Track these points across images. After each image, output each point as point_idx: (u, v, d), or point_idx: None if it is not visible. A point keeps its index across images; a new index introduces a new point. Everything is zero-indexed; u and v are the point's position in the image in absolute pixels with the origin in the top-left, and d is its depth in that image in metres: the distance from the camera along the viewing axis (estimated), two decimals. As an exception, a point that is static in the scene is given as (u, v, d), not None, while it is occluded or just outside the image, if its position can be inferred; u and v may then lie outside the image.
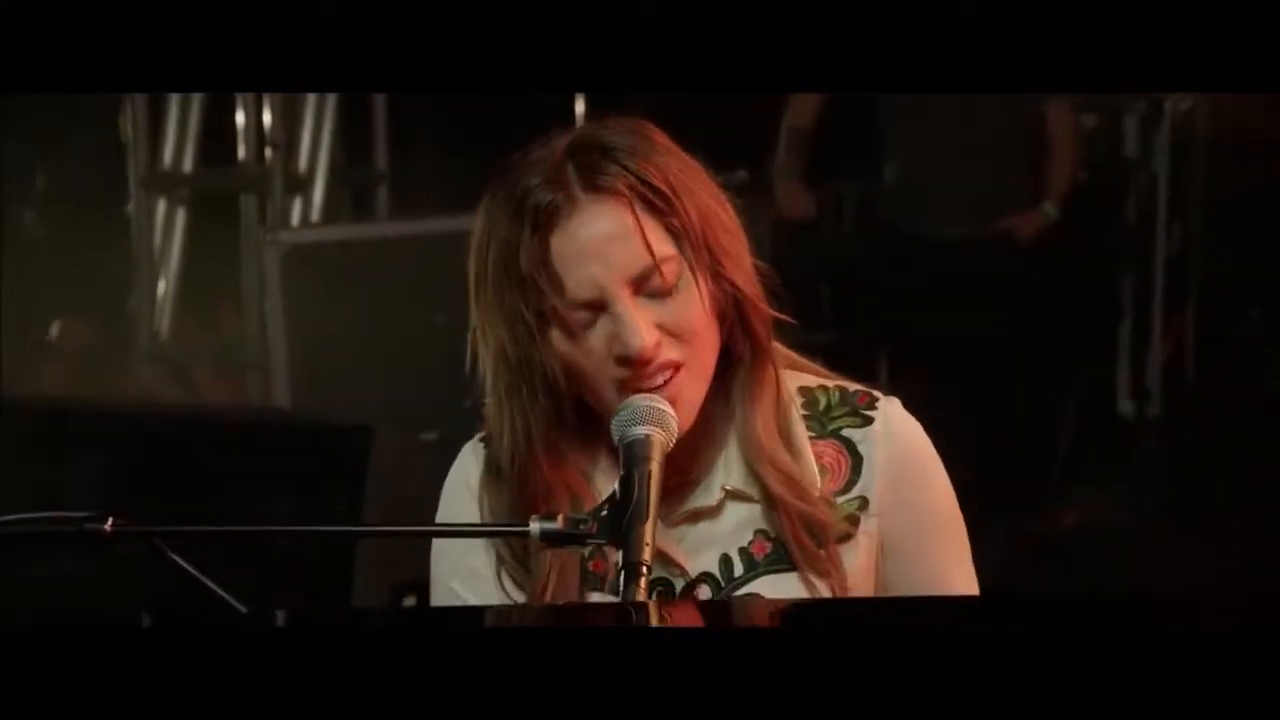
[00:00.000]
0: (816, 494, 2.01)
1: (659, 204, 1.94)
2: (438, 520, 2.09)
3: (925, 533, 2.05)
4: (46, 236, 5.63)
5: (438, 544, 2.08)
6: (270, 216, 5.60)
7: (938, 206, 5.26)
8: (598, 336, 1.95)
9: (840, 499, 2.02)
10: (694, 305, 1.94)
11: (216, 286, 5.78)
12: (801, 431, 2.04)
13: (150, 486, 3.97)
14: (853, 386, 2.08)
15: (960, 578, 2.07)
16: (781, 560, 2.00)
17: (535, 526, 1.80)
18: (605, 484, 1.98)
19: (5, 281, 5.22)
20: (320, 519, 3.62)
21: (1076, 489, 5.55)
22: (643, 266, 1.93)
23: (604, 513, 1.80)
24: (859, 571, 2.01)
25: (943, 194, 5.24)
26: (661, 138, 2.00)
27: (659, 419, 1.88)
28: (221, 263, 5.72)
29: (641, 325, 1.92)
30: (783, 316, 2.02)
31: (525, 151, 1.99)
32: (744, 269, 1.99)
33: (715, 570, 2.00)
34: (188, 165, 5.76)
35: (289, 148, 5.62)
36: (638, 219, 1.93)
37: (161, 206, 5.74)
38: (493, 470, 2.02)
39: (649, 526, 1.78)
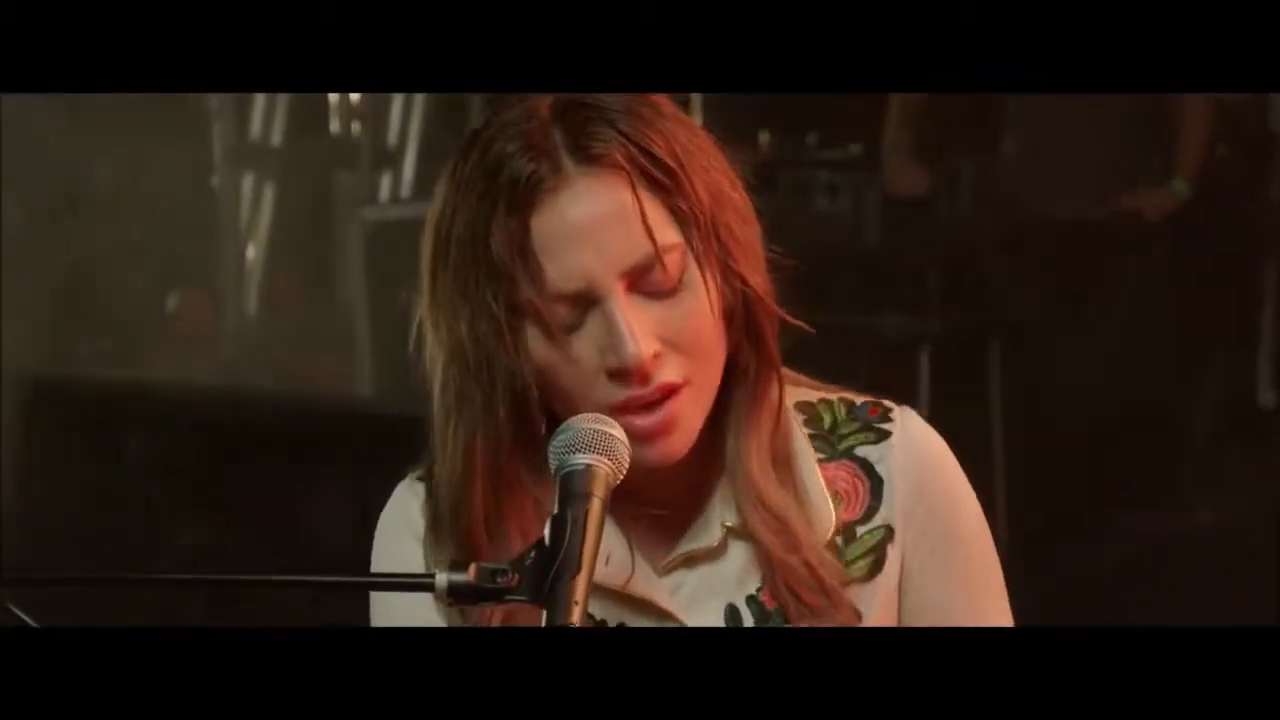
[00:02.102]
0: (821, 539, 1.69)
1: (663, 180, 1.62)
2: (375, 564, 1.77)
3: (952, 563, 1.73)
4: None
5: (377, 601, 1.76)
6: (356, 192, 5.42)
7: (1059, 183, 4.99)
8: (584, 342, 1.63)
9: (861, 529, 1.71)
10: (701, 309, 1.63)
11: (304, 265, 5.61)
12: (809, 457, 1.72)
13: (193, 471, 3.88)
14: (859, 398, 1.76)
15: (996, 618, 1.75)
16: None
17: (441, 578, 1.49)
18: None
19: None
20: (364, 510, 3.48)
21: (1211, 486, 5.23)
22: (642, 255, 1.61)
23: (529, 561, 1.48)
24: (886, 614, 1.71)
25: (1065, 170, 4.96)
26: (668, 104, 1.68)
27: (605, 445, 1.54)
28: (310, 241, 5.55)
29: (637, 329, 1.61)
30: (795, 322, 1.70)
31: (498, 109, 1.67)
32: (757, 263, 1.68)
33: (721, 625, 1.69)
34: (276, 138, 5.59)
35: (378, 120, 5.43)
36: (638, 198, 1.61)
37: (249, 180, 5.57)
38: (435, 509, 1.71)
39: (581, 580, 1.45)
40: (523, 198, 1.62)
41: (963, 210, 5.38)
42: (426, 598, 1.59)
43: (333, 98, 5.51)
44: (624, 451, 1.56)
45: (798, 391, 1.75)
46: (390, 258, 4.92)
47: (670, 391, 1.63)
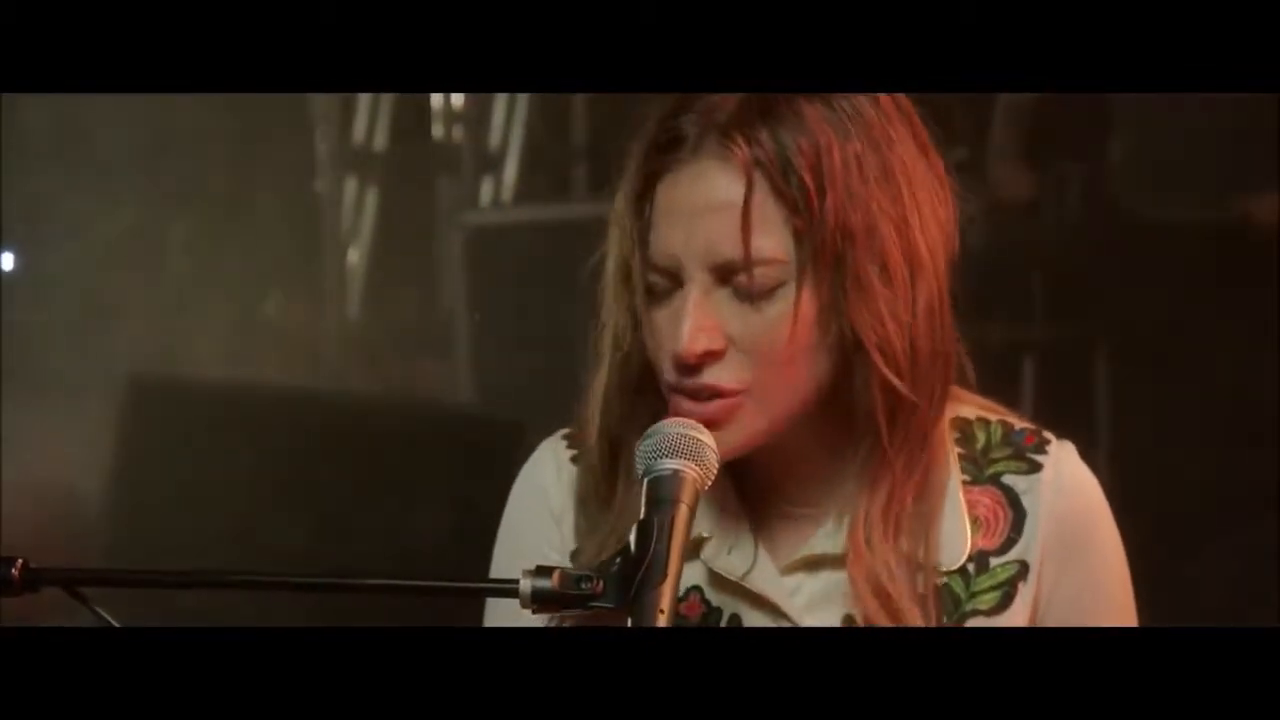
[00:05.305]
0: (954, 563, 1.69)
1: (793, 196, 1.61)
2: (504, 525, 1.79)
3: (1091, 612, 1.71)
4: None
5: (501, 548, 1.80)
6: (456, 196, 5.41)
7: (1168, 187, 4.89)
8: (665, 316, 1.65)
9: (995, 561, 1.68)
10: (783, 324, 1.63)
11: (406, 270, 5.61)
12: (954, 478, 1.70)
13: (293, 474, 3.93)
14: (1018, 423, 1.75)
15: None
16: None
17: (525, 584, 1.48)
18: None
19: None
20: (464, 514, 3.50)
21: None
22: (732, 256, 1.62)
23: (614, 568, 1.47)
24: None
25: (1174, 174, 4.87)
26: (881, 129, 1.67)
27: (693, 450, 1.53)
28: (413, 245, 5.55)
29: (697, 324, 1.62)
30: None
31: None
32: (897, 308, 1.68)
33: None
34: (380, 142, 5.58)
35: (481, 124, 5.41)
36: (748, 203, 1.60)
37: (351, 185, 5.57)
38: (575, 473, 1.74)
39: (667, 588, 1.43)
40: (657, 158, 1.64)
41: (1069, 214, 5.31)
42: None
43: (435, 102, 5.50)
44: (713, 457, 1.54)
45: (956, 406, 1.72)
46: (492, 262, 4.91)
47: (716, 393, 1.62)
